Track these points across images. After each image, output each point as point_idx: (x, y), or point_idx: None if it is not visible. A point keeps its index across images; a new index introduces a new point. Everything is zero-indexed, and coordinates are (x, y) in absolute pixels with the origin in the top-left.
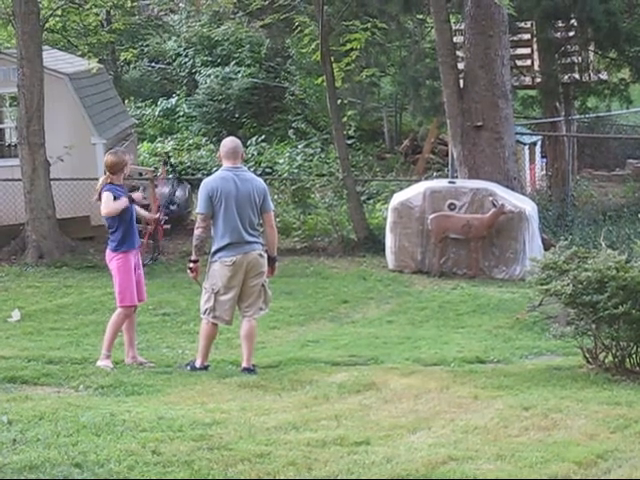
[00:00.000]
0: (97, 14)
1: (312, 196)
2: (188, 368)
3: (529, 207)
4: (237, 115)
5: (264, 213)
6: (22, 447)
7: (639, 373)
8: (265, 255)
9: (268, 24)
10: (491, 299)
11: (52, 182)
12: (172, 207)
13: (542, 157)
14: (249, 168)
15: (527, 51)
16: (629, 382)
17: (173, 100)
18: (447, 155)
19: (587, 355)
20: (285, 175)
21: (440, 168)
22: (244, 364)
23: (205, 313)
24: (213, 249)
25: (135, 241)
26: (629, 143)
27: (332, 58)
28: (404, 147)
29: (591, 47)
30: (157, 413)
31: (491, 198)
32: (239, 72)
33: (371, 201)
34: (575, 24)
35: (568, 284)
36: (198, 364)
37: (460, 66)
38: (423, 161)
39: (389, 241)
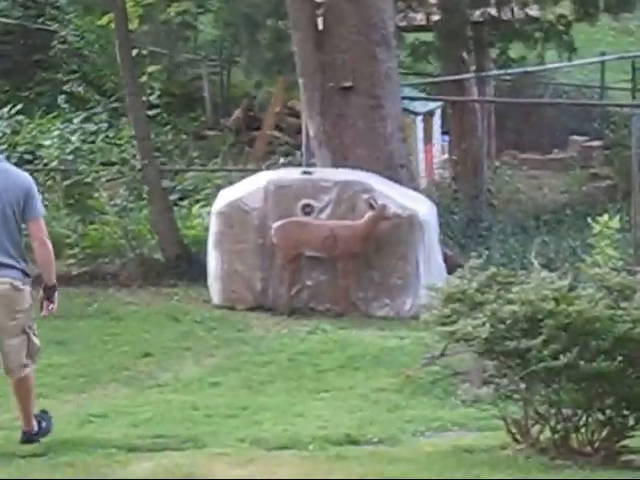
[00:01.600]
0: None
1: (96, 196)
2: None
3: (424, 208)
4: None
5: (29, 222)
6: None
7: (590, 455)
8: (26, 287)
9: None
10: (368, 348)
11: None
12: None
13: (443, 133)
14: None
15: None
16: (576, 468)
17: None
18: (300, 132)
19: (513, 430)
20: (54, 164)
21: (289, 151)
22: (24, 427)
23: None
24: None
25: None
26: (573, 111)
27: None
28: (235, 121)
29: None
30: None
31: (367, 196)
32: None
33: (186, 202)
34: None
35: (484, 323)
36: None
37: None
38: (264, 141)
39: (214, 262)
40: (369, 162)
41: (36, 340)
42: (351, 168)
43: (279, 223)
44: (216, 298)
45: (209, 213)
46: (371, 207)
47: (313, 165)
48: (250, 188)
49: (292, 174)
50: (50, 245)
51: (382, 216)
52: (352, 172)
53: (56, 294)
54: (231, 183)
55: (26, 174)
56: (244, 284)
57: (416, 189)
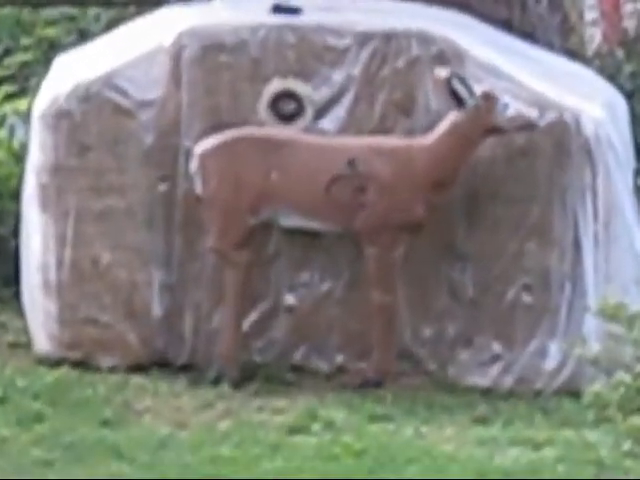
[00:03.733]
0: None
1: None
2: None
3: (597, 109)
4: None
5: None
6: None
7: None
8: None
9: None
10: (448, 470)
11: None
12: None
13: None
14: None
15: None
16: None
17: None
18: None
19: None
20: None
21: None
22: None
23: None
24: None
25: None
26: None
27: None
28: None
29: None
30: None
31: (445, 72)
32: None
33: None
34: None
35: None
36: None
37: None
38: None
39: (40, 248)
40: None
41: None
42: None
43: (211, 144)
44: (44, 340)
45: (27, 117)
46: (457, 102)
47: None
48: (135, 51)
49: (244, 13)
50: None
51: (486, 125)
52: (405, 7)
53: None
54: (84, 37)
55: None
56: (119, 304)
57: (576, 54)
